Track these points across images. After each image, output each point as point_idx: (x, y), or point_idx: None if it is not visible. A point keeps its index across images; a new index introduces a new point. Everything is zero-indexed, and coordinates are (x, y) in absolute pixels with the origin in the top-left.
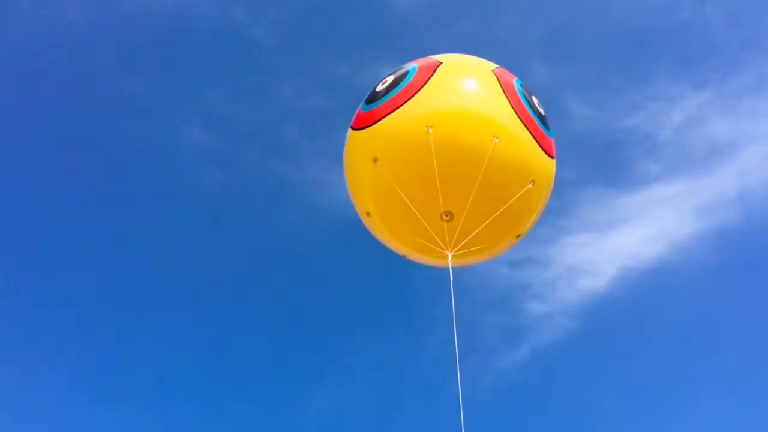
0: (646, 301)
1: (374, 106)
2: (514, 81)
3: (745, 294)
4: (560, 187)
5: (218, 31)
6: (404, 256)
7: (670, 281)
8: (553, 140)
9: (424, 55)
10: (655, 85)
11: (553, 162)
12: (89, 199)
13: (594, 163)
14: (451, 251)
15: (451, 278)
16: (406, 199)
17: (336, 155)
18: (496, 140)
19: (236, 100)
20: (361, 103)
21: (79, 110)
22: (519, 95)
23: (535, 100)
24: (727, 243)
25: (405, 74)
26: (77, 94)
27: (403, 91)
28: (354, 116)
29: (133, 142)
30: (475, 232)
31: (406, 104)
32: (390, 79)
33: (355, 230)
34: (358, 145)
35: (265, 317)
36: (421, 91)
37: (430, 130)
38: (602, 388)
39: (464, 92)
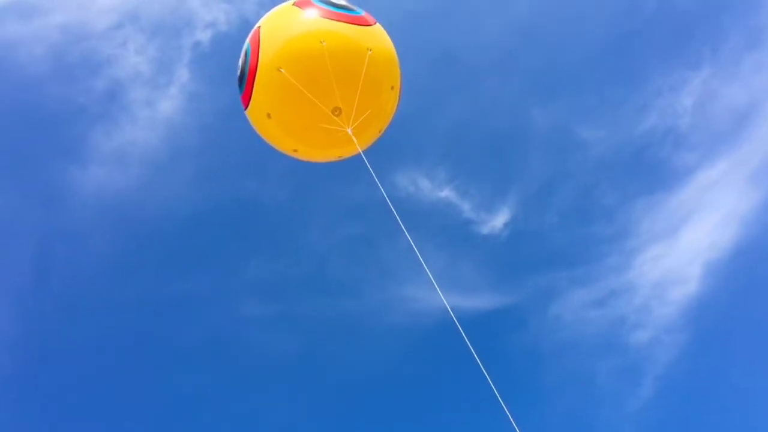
0: (743, 287)
1: (242, 85)
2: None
3: None
4: (608, 211)
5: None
6: (339, 157)
7: (759, 257)
8: (364, 14)
9: None
10: (652, 81)
11: (375, 26)
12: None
13: (630, 176)
14: (349, 127)
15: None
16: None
17: (383, 274)
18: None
19: (275, 262)
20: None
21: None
22: (316, 3)
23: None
24: None
25: (245, 53)
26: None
27: (250, 63)
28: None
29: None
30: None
31: (257, 67)
32: (239, 64)
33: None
34: (255, 114)
35: None
36: (260, 51)
37: (283, 71)
38: (743, 390)
39: (283, 28)
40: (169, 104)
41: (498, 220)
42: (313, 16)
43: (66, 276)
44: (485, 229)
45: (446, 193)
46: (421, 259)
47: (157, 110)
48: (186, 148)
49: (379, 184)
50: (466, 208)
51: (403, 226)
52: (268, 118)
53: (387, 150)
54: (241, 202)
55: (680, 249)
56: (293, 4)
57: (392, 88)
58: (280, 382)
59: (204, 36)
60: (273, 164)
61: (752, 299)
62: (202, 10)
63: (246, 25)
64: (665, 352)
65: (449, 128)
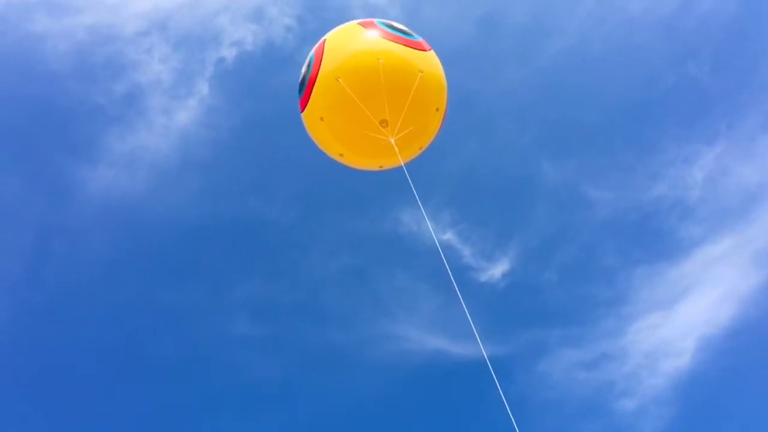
0: (736, 366)
1: (302, 90)
2: (375, 20)
3: None
4: (608, 274)
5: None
6: (381, 167)
7: (755, 338)
8: (421, 40)
9: None
10: (666, 151)
11: (430, 53)
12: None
13: (634, 242)
14: (392, 137)
15: (404, 167)
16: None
17: (376, 309)
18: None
19: (271, 283)
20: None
21: (123, 326)
22: (380, 26)
23: (395, 24)
24: None
25: (308, 62)
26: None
27: (312, 71)
28: (299, 107)
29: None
30: (402, 118)
31: (318, 75)
32: (302, 71)
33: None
34: (309, 116)
35: None
36: (322, 62)
37: (340, 80)
38: None
39: (347, 45)
40: (185, 115)
41: (497, 270)
42: (374, 36)
43: (60, 271)
44: (483, 277)
45: (448, 236)
46: (463, 304)
47: (173, 119)
48: (197, 160)
49: (422, 208)
50: (467, 253)
51: (448, 267)
52: (321, 121)
53: (395, 185)
54: (245, 220)
55: (676, 321)
56: (358, 24)
57: (437, 109)
58: (258, 404)
59: (229, 53)
60: (281, 187)
61: (744, 380)
62: (231, 27)
63: (272, 47)
64: (650, 423)
65: (459, 172)
